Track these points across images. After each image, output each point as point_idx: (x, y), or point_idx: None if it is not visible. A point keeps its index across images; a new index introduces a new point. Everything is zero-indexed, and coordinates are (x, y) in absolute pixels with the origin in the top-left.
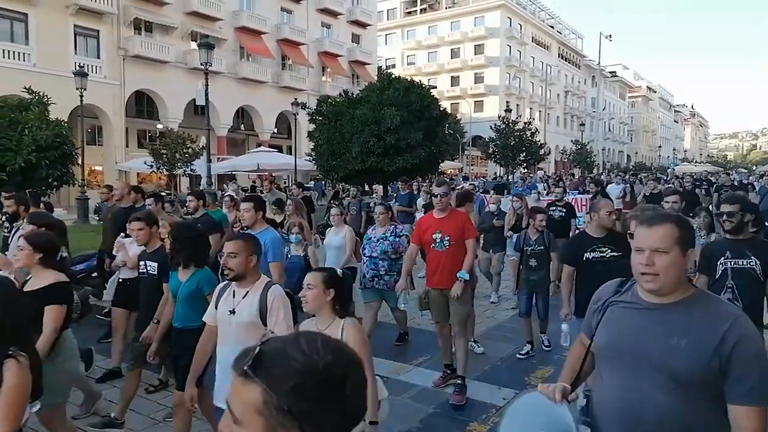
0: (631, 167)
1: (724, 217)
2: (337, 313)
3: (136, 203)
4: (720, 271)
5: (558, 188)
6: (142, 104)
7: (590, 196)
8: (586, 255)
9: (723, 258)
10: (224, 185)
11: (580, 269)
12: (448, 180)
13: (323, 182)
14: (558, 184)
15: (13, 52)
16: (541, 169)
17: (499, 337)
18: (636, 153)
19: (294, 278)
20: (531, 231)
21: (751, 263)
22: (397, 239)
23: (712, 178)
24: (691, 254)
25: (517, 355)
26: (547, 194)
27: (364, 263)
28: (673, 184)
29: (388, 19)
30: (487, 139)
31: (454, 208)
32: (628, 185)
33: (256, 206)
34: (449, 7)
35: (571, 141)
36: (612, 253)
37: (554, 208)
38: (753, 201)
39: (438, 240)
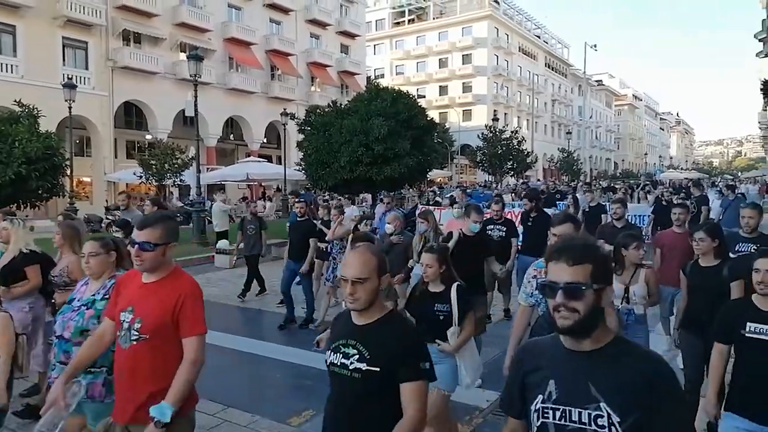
0: (618, 174)
1: (556, 303)
2: None
3: None
4: (537, 425)
5: (496, 204)
6: (131, 115)
7: (522, 208)
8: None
9: (542, 395)
10: (213, 195)
11: None
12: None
13: (313, 191)
14: (498, 200)
15: (1, 64)
16: (527, 177)
17: (484, 342)
18: (623, 160)
19: None
20: None
21: (600, 416)
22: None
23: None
24: None
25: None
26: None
27: (54, 347)
28: (642, 190)
29: (376, 29)
30: (474, 148)
31: (176, 268)
32: (570, 197)
33: None
34: (437, 18)
35: (558, 149)
36: None
37: (492, 227)
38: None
39: (125, 325)
